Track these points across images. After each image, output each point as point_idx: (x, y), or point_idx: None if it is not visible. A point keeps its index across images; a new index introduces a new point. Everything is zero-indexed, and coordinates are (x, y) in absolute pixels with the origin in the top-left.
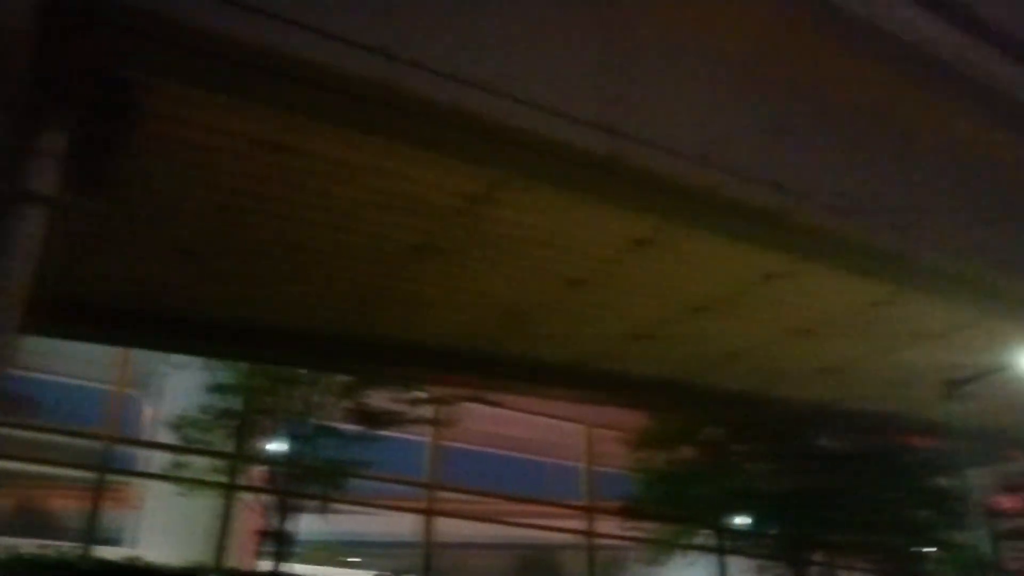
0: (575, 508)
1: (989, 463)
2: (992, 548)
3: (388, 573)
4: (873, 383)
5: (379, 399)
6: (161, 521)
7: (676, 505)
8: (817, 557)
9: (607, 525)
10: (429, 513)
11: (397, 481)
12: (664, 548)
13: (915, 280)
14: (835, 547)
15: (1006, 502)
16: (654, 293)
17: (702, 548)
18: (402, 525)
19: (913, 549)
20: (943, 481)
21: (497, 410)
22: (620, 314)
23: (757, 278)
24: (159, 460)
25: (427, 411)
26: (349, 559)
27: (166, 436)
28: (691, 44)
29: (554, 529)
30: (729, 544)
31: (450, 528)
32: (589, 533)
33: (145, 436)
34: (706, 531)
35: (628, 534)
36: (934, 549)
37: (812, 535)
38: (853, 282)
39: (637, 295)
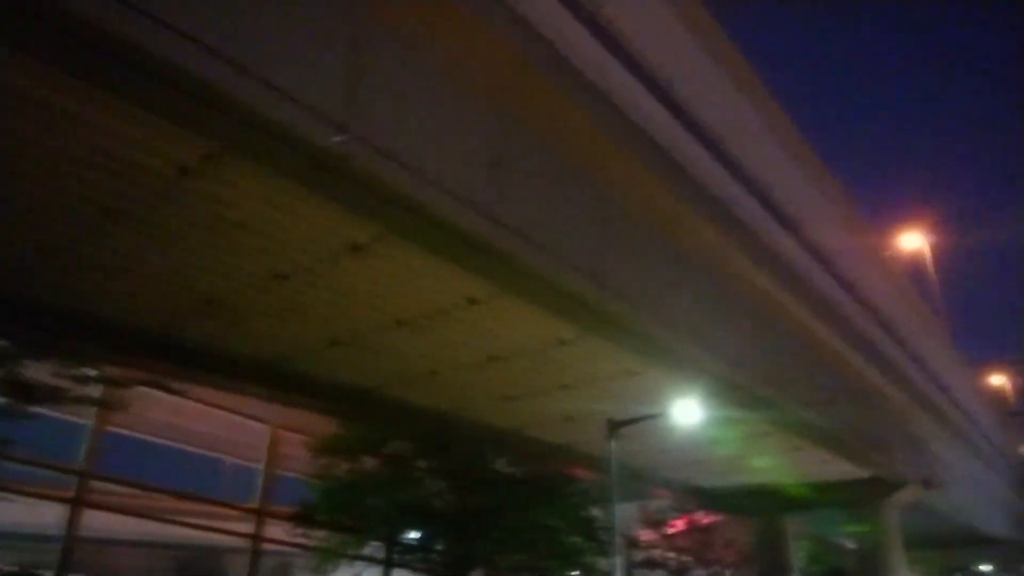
0: (244, 510)
1: (635, 499)
2: (627, 574)
3: (12, 567)
4: (549, 415)
5: (38, 371)
6: None
7: (351, 515)
8: (478, 574)
9: (277, 530)
10: (77, 503)
11: (42, 465)
12: (331, 557)
13: (598, 326)
14: (495, 566)
15: (644, 534)
16: (361, 301)
17: (370, 559)
18: (44, 515)
19: (563, 572)
20: (596, 512)
21: (177, 399)
22: (323, 317)
23: (461, 301)
24: None
25: (95, 391)
26: None
27: None
28: (435, 67)
29: (219, 531)
30: (397, 557)
31: (102, 522)
32: (255, 537)
33: None
34: (377, 542)
35: (297, 541)
36: (579, 573)
37: (476, 553)
38: (545, 319)
39: (344, 300)
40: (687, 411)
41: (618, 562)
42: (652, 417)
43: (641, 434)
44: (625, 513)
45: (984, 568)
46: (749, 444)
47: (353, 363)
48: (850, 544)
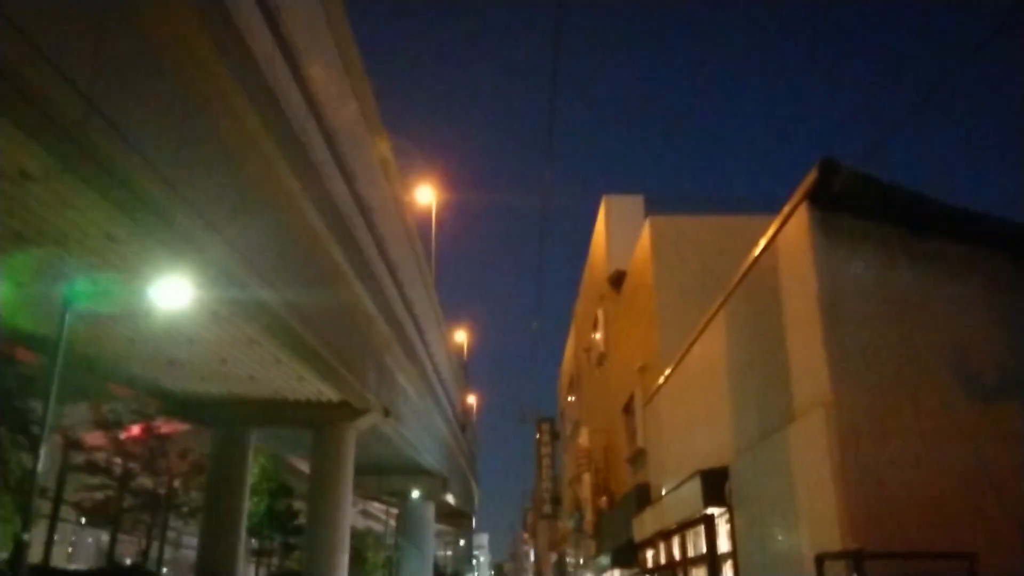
0: None
1: (89, 397)
2: (59, 476)
3: None
4: None
5: None
6: None
7: None
8: None
9: None
10: None
11: None
12: None
13: (78, 162)
14: None
15: (92, 437)
16: None
17: None
18: None
19: None
20: (32, 403)
21: None
22: None
23: None
24: None
25: None
26: None
27: None
28: None
29: None
30: None
31: None
32: None
33: None
34: None
35: None
36: None
37: None
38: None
39: None
40: (170, 294)
41: (41, 460)
42: (120, 294)
43: (109, 317)
44: (74, 413)
45: (414, 494)
46: (231, 349)
47: None
48: (301, 464)
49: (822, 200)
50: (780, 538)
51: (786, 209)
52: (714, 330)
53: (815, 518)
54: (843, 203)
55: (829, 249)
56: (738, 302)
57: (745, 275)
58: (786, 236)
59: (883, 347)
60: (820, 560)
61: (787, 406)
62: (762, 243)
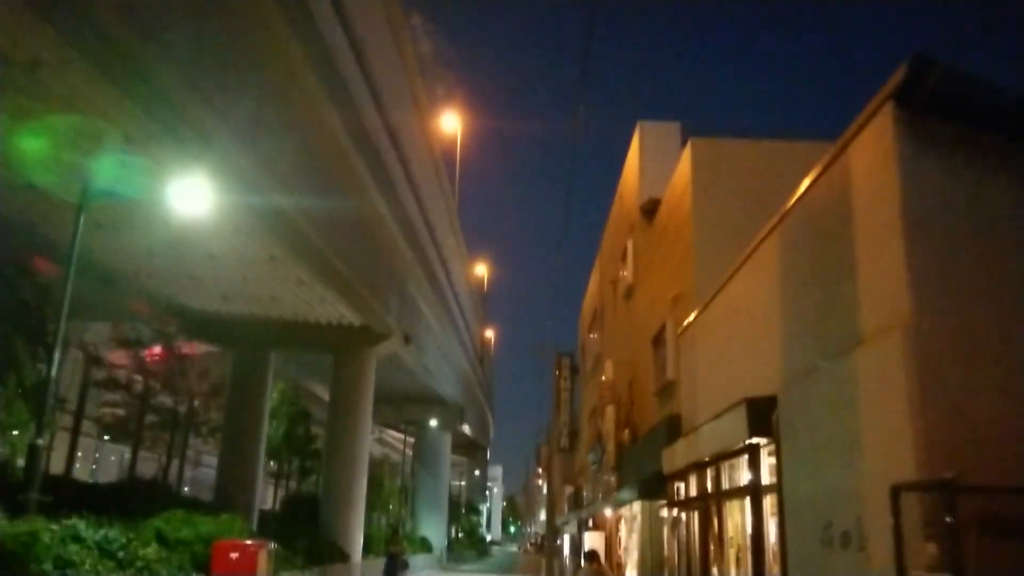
0: None
1: (109, 315)
2: (80, 391)
3: None
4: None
5: None
6: None
7: None
8: None
9: None
10: None
11: None
12: None
13: (81, 47)
14: None
15: (115, 356)
16: None
17: None
18: None
19: None
20: (48, 315)
21: None
22: None
23: None
24: None
25: None
26: None
27: None
28: None
29: None
30: None
31: None
32: None
33: None
34: None
35: None
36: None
37: None
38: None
39: None
40: (190, 197)
41: (55, 363)
42: (142, 183)
43: (126, 225)
44: (95, 331)
45: (431, 423)
46: (252, 268)
47: None
48: (320, 391)
49: (910, 101)
50: (839, 469)
51: (867, 110)
52: (765, 253)
53: (885, 449)
54: (934, 106)
55: (916, 155)
56: (796, 221)
57: (808, 189)
58: (864, 141)
59: (970, 266)
60: (896, 491)
61: (853, 330)
62: (833, 151)
